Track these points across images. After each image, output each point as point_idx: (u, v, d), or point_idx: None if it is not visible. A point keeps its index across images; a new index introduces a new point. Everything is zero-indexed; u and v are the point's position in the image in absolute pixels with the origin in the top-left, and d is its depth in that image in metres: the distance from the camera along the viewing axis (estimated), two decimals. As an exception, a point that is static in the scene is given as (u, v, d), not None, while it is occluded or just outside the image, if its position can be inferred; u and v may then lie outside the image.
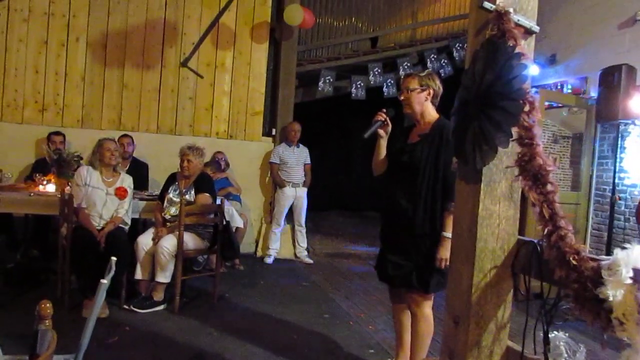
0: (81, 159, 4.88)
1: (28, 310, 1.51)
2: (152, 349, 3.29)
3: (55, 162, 4.69)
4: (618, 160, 5.05)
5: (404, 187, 2.74)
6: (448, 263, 2.52)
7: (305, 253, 6.32)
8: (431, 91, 2.75)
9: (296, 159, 6.19)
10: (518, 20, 1.80)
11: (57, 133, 5.42)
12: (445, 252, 2.59)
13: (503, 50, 1.71)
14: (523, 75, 1.67)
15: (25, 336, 1.46)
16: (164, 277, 4.02)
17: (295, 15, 5.97)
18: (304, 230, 6.33)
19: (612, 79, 4.71)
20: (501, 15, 1.76)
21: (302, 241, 6.33)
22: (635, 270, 1.33)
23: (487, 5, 1.79)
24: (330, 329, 3.85)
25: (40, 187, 4.57)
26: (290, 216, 6.35)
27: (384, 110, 2.84)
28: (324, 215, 9.62)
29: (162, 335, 3.52)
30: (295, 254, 6.36)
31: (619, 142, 5.08)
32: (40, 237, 5.37)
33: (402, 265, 2.71)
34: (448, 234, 2.56)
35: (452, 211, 2.49)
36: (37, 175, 4.73)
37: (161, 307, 4.03)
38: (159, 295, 4.04)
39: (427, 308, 2.76)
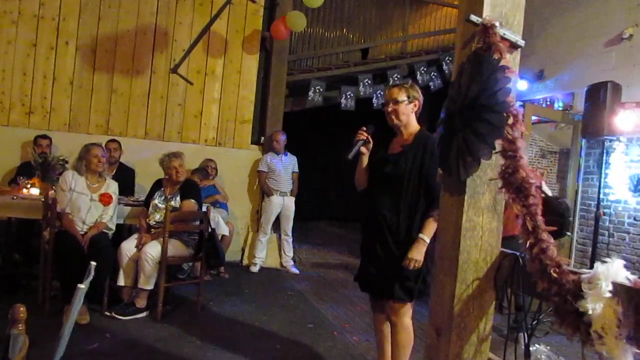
0: (66, 162, 4.82)
1: (6, 316, 1.48)
2: (133, 356, 3.24)
3: (40, 165, 4.64)
4: (603, 176, 5.10)
5: (386, 198, 2.74)
6: (417, 265, 2.58)
7: (292, 262, 6.29)
8: (417, 103, 2.77)
9: (284, 168, 6.18)
10: (504, 34, 1.82)
11: (44, 136, 5.36)
12: (416, 254, 2.59)
13: (488, 63, 1.72)
14: (507, 88, 1.68)
15: (2, 342, 1.43)
16: (147, 284, 3.97)
17: (298, 21, 5.95)
18: (290, 240, 6.31)
19: (598, 96, 4.78)
20: (487, 29, 1.78)
21: (289, 250, 6.30)
22: (614, 284, 1.34)
23: (473, 18, 1.81)
24: (314, 339, 3.83)
25: (24, 191, 4.51)
26: (277, 225, 6.33)
27: (364, 128, 2.84)
28: (312, 224, 9.61)
29: (143, 343, 3.47)
30: (281, 263, 6.32)
31: (604, 158, 5.14)
32: (22, 241, 5.29)
33: (385, 276, 2.71)
34: (425, 236, 2.59)
35: (436, 219, 2.51)
36: (22, 178, 4.67)
37: (143, 314, 3.98)
38: (141, 302, 3.99)
39: (406, 318, 2.75)
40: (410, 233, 2.65)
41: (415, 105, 2.77)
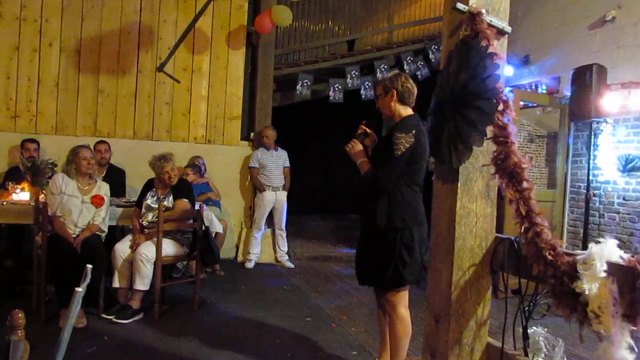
0: (55, 166, 4.78)
1: (2, 323, 1.47)
2: (132, 358, 3.23)
3: (29, 169, 4.59)
4: (592, 157, 5.15)
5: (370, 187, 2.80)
6: (349, 148, 2.78)
7: (286, 257, 6.30)
8: (394, 92, 2.74)
9: (275, 163, 6.17)
10: (490, 20, 1.82)
11: (31, 140, 5.31)
12: (353, 149, 2.79)
13: (476, 50, 1.73)
14: (496, 75, 1.69)
15: (0, 349, 1.43)
16: (142, 285, 3.94)
17: (284, 16, 5.91)
18: (284, 234, 6.31)
19: (584, 79, 4.81)
20: (474, 16, 1.79)
21: (283, 245, 6.31)
22: (609, 263, 1.36)
23: (460, 6, 1.82)
24: (312, 332, 3.84)
25: (14, 196, 4.46)
26: (270, 220, 6.33)
27: (364, 122, 2.87)
28: (305, 218, 9.60)
29: (141, 344, 3.46)
30: (276, 258, 6.33)
31: (592, 140, 5.18)
32: (14, 247, 5.25)
33: (364, 262, 2.75)
34: (357, 156, 2.78)
35: (368, 171, 2.70)
36: (10, 183, 4.62)
37: (140, 316, 3.95)
38: (136, 304, 3.95)
39: (401, 308, 2.76)
40: (388, 222, 2.66)
41: (392, 95, 2.75)
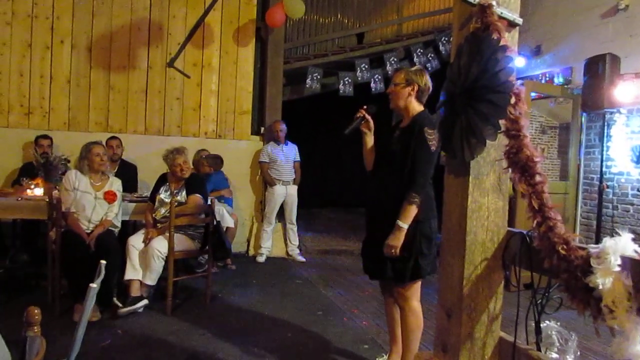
0: (68, 162, 4.84)
1: (18, 316, 1.49)
2: (145, 351, 3.27)
3: (43, 165, 4.65)
4: (605, 148, 5.09)
5: (380, 180, 2.78)
6: (395, 252, 2.57)
7: (298, 251, 6.32)
8: (415, 87, 2.71)
9: (285, 157, 6.18)
10: (501, 12, 1.80)
11: (45, 136, 5.36)
12: (392, 240, 2.58)
13: (488, 44, 1.71)
14: (509, 68, 1.68)
15: (16, 343, 1.45)
16: (150, 280, 3.97)
17: (296, 7, 5.89)
18: (295, 228, 6.33)
19: (596, 69, 4.74)
20: (484, 9, 1.77)
21: (294, 239, 6.33)
22: (623, 257, 1.35)
23: (470, -2, 1.80)
24: (324, 326, 3.85)
25: (28, 192, 4.53)
26: (281, 214, 6.35)
27: (365, 106, 2.85)
28: (315, 212, 9.62)
29: (154, 337, 3.50)
30: (287, 252, 6.35)
31: (605, 131, 5.12)
32: (29, 242, 5.31)
33: (377, 257, 2.73)
34: (401, 222, 2.57)
35: (412, 202, 2.55)
36: (25, 179, 4.69)
37: (145, 302, 3.94)
38: (136, 292, 3.94)
39: (414, 301, 2.76)
40: (396, 214, 2.62)
41: (412, 89, 2.71)
